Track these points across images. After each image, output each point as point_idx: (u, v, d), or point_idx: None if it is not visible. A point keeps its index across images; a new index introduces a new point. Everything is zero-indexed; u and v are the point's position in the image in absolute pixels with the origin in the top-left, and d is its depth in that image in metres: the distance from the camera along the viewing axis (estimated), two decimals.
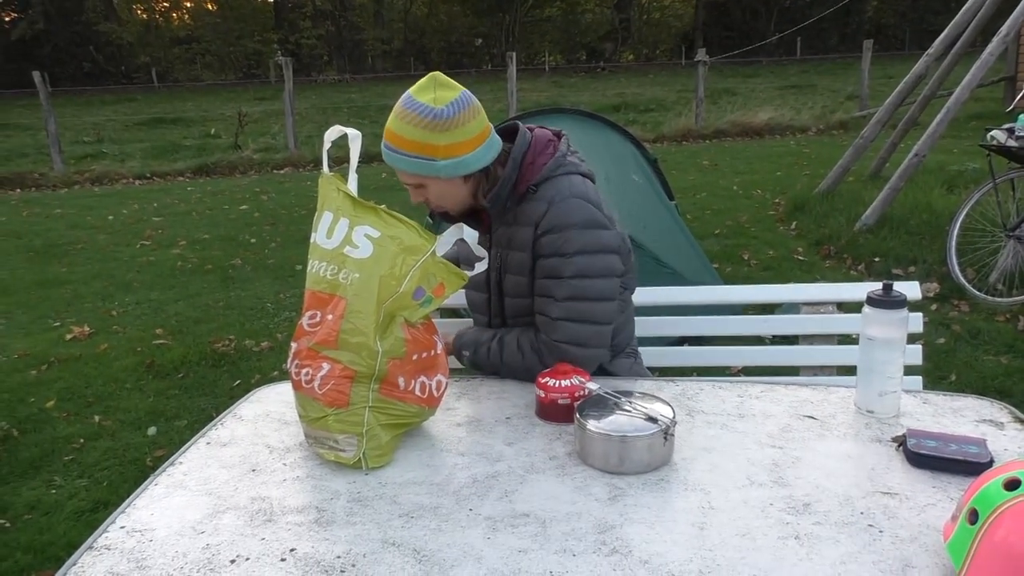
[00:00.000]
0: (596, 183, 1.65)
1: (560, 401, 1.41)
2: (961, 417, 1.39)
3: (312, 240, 1.37)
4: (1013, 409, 1.41)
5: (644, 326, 1.95)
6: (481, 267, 1.44)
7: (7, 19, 29.83)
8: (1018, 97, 4.30)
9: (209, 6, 35.44)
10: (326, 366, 1.28)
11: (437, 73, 1.51)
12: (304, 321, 1.33)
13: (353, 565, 1.04)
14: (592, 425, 1.25)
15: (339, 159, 1.41)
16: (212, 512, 1.18)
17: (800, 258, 5.21)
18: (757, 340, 3.24)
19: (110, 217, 7.88)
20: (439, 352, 1.40)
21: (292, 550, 1.08)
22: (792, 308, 2.05)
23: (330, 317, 1.30)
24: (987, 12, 5.99)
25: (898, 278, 4.26)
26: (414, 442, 1.38)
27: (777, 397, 1.50)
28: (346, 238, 1.32)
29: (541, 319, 1.59)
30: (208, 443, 1.41)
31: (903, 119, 6.78)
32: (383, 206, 1.35)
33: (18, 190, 9.88)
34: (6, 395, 3.67)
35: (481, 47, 35.04)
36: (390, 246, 1.31)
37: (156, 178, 10.44)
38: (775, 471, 1.23)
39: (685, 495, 1.17)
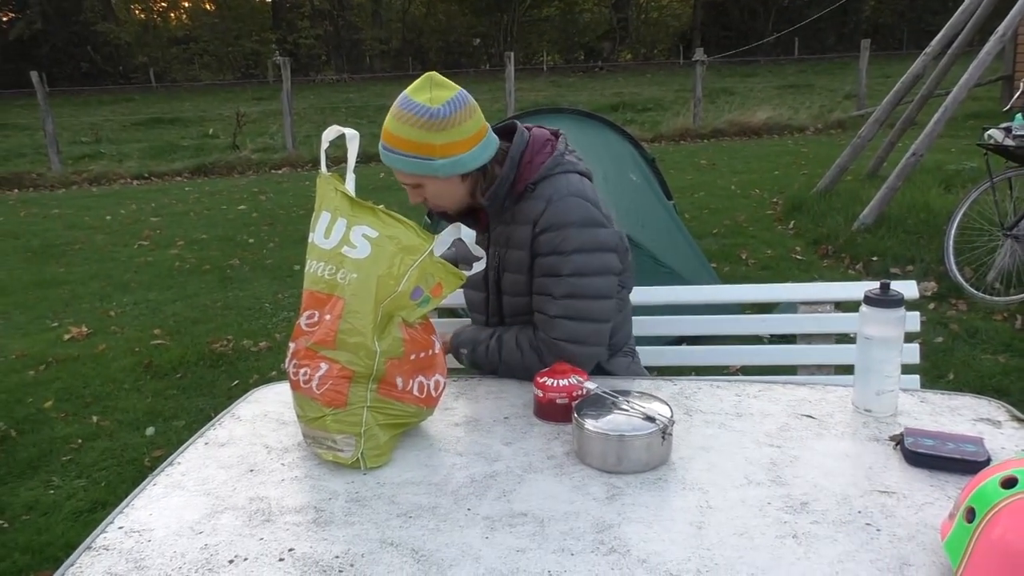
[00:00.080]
0: (594, 182, 1.66)
1: (558, 401, 1.41)
2: (958, 416, 1.39)
3: (310, 240, 1.37)
4: (1010, 408, 1.42)
5: (642, 325, 1.95)
6: (479, 267, 1.45)
7: (4, 19, 29.79)
8: (1015, 96, 4.30)
9: (207, 6, 35.43)
10: (324, 366, 1.29)
11: (433, 73, 1.51)
12: (302, 321, 1.34)
13: (351, 565, 1.04)
14: (590, 424, 1.26)
15: (337, 159, 1.41)
16: (210, 512, 1.18)
17: (798, 257, 5.21)
18: (755, 339, 3.23)
19: (108, 217, 7.87)
20: (437, 352, 1.40)
21: (290, 550, 1.08)
22: (790, 307, 2.05)
23: (328, 317, 1.30)
24: (984, 11, 6.00)
25: (896, 277, 4.26)
26: (412, 442, 1.38)
27: (775, 396, 1.50)
28: (344, 238, 1.32)
29: (539, 317, 1.60)
30: (206, 443, 1.41)
31: (901, 118, 6.79)
32: (381, 206, 1.35)
33: (16, 190, 9.87)
34: (4, 396, 3.66)
35: (479, 47, 35.04)
36: (388, 246, 1.31)
37: (154, 178, 10.44)
38: (773, 470, 1.23)
39: (683, 494, 1.17)
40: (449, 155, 1.48)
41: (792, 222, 6.09)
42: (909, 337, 1.66)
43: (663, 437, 1.24)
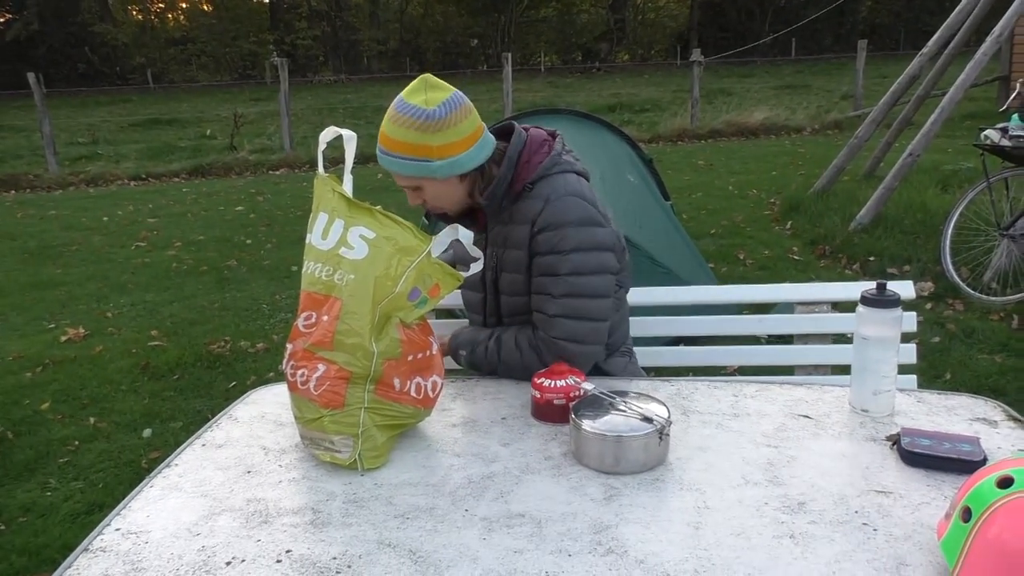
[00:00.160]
0: (591, 182, 1.66)
1: (555, 401, 1.41)
2: (955, 416, 1.39)
3: (307, 241, 1.37)
4: (1006, 407, 1.42)
5: (640, 326, 1.95)
6: (476, 267, 1.45)
7: (1, 20, 29.74)
8: (1011, 97, 4.31)
9: (204, 7, 35.39)
10: (322, 367, 1.29)
11: (427, 75, 1.52)
12: (300, 322, 1.34)
13: (349, 566, 1.04)
14: (587, 425, 1.26)
15: (335, 160, 1.42)
16: (208, 514, 1.18)
17: (795, 258, 5.22)
18: (752, 340, 3.24)
19: (105, 218, 7.86)
20: (435, 353, 1.40)
21: (288, 551, 1.08)
22: (787, 308, 2.06)
23: (325, 318, 1.30)
24: (981, 12, 6.01)
25: (893, 277, 4.27)
26: (410, 443, 1.38)
27: (772, 396, 1.50)
28: (341, 239, 1.32)
29: (538, 316, 1.60)
30: (203, 445, 1.41)
31: (897, 119, 6.80)
32: (378, 207, 1.35)
33: (12, 192, 9.86)
34: (1, 397, 3.65)
35: (477, 48, 35.05)
36: (385, 247, 1.31)
37: (151, 179, 10.42)
38: (770, 470, 1.23)
39: (680, 495, 1.17)
40: (446, 156, 1.49)
41: (789, 222, 6.10)
42: (906, 337, 1.66)
43: (660, 438, 1.24)
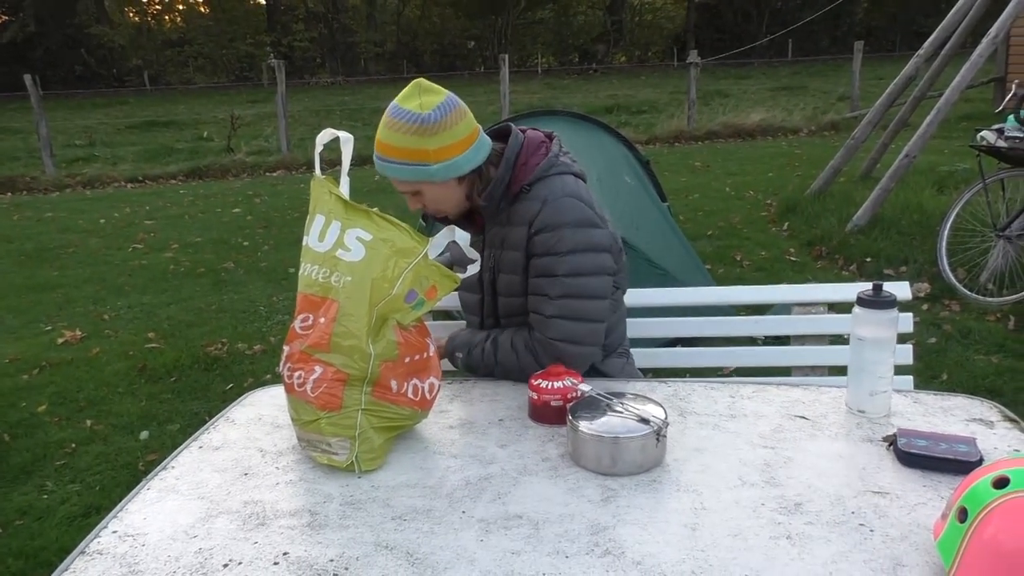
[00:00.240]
0: (588, 184, 1.66)
1: (552, 403, 1.41)
2: (951, 416, 1.40)
3: (304, 243, 1.37)
4: (1002, 408, 1.42)
5: (636, 327, 1.95)
6: (473, 269, 1.45)
7: None
8: (1007, 98, 4.31)
9: (201, 9, 35.36)
10: (318, 369, 1.29)
11: (421, 80, 1.52)
12: (296, 324, 1.34)
13: (346, 568, 1.04)
14: (584, 427, 1.26)
15: (332, 162, 1.42)
16: (205, 516, 1.18)
17: (792, 259, 5.23)
18: (749, 341, 3.24)
19: (102, 220, 7.85)
20: (431, 354, 1.40)
21: (285, 554, 1.07)
22: (784, 309, 2.06)
23: (322, 320, 1.30)
24: (976, 14, 6.02)
25: (889, 278, 4.28)
26: (407, 445, 1.38)
27: (769, 397, 1.50)
28: (338, 241, 1.32)
29: (535, 317, 1.60)
30: (200, 447, 1.41)
31: (894, 120, 6.81)
32: (375, 209, 1.35)
33: (9, 194, 9.84)
34: None
35: (474, 49, 35.05)
36: (382, 249, 1.31)
37: (148, 181, 10.41)
38: (767, 471, 1.23)
39: (677, 496, 1.17)
40: (443, 159, 1.49)
41: (786, 224, 6.11)
42: (902, 338, 1.66)
43: (657, 439, 1.24)
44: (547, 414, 1.42)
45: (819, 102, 14.32)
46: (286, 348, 1.34)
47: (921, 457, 1.22)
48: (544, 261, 1.57)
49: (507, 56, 11.64)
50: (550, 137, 1.67)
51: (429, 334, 1.42)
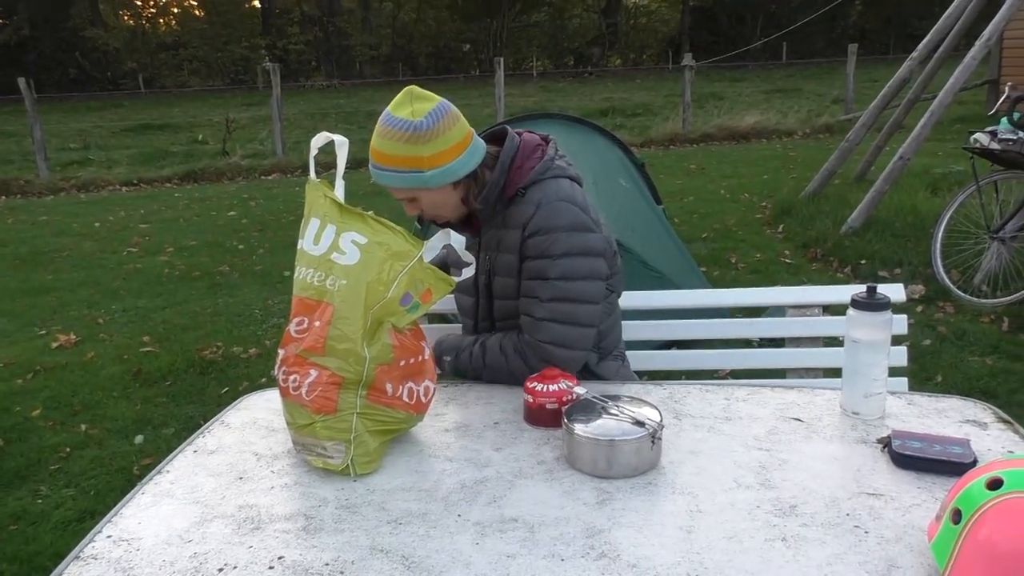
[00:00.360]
0: (583, 187, 1.67)
1: (548, 406, 1.41)
2: (945, 418, 1.40)
3: (299, 246, 1.37)
4: (996, 409, 1.43)
5: (632, 330, 1.95)
6: (468, 272, 1.45)
7: None
8: (1000, 100, 4.33)
9: (196, 12, 35.33)
10: (313, 372, 1.28)
11: (413, 87, 1.53)
12: (291, 327, 1.33)
13: (341, 572, 1.03)
14: (580, 429, 1.26)
15: (327, 165, 1.41)
16: (199, 520, 1.17)
17: (787, 261, 5.24)
18: (744, 343, 3.25)
19: (96, 224, 7.83)
20: (427, 358, 1.40)
21: (280, 558, 1.07)
22: (779, 311, 2.06)
23: (317, 323, 1.30)
24: (970, 16, 6.05)
25: (884, 280, 4.29)
26: (402, 448, 1.38)
27: (763, 400, 1.51)
28: (333, 244, 1.32)
29: (525, 320, 1.60)
30: (195, 451, 1.41)
31: (888, 122, 6.83)
32: (370, 212, 1.35)
33: (3, 197, 9.80)
34: None
35: (469, 52, 35.06)
36: (377, 252, 1.31)
37: (143, 185, 10.39)
38: (762, 473, 1.23)
39: (673, 498, 1.17)
40: (437, 165, 1.50)
41: (781, 226, 6.12)
42: (896, 340, 1.67)
43: (653, 441, 1.25)
44: (542, 417, 1.42)
45: (813, 105, 14.35)
46: (281, 351, 1.34)
47: (915, 459, 1.22)
48: (537, 264, 1.57)
49: (502, 59, 11.65)
50: (546, 140, 1.67)
51: (424, 337, 1.42)
